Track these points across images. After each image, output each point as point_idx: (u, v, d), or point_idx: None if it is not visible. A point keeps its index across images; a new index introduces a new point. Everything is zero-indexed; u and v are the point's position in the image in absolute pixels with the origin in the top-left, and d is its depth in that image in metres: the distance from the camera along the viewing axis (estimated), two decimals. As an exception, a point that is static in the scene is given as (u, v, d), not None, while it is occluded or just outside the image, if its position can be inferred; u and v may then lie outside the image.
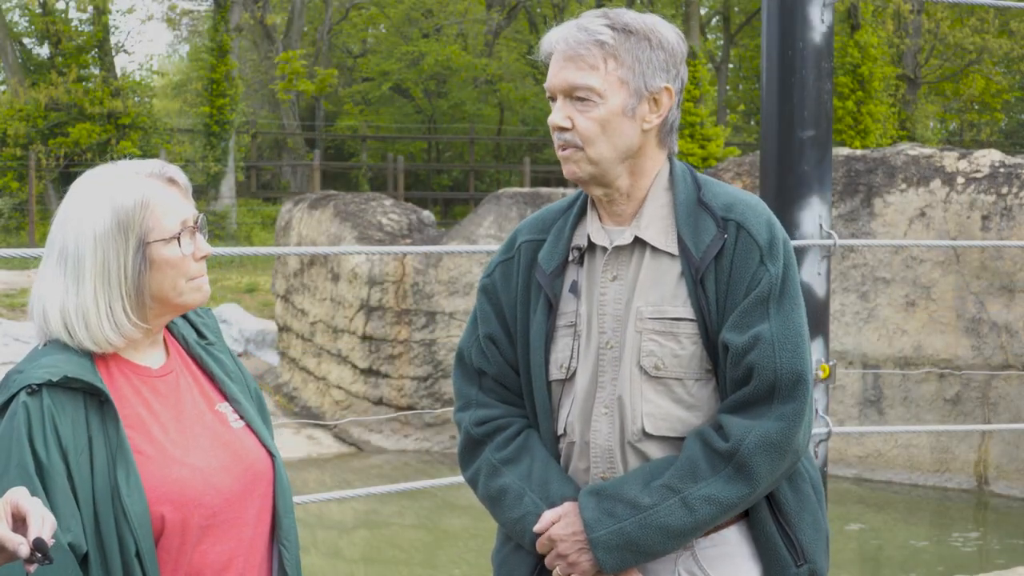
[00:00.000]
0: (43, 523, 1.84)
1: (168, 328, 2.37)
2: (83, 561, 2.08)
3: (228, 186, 25.74)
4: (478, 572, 9.16)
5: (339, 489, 10.62)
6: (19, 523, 1.85)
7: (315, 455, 12.39)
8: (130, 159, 2.33)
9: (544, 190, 12.83)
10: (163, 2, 43.89)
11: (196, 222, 2.27)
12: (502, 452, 2.44)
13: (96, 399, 2.15)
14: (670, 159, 2.45)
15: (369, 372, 12.67)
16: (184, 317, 2.41)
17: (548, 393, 2.43)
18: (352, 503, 10.77)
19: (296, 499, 2.42)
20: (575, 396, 2.39)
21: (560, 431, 2.43)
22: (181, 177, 2.29)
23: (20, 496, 1.86)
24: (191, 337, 2.39)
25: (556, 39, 2.37)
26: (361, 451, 12.60)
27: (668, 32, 2.39)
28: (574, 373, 2.39)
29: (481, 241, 12.12)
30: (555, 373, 2.42)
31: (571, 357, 2.39)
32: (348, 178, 30.75)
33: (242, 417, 2.35)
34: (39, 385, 2.10)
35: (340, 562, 9.75)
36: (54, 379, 2.10)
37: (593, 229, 2.42)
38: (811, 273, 3.99)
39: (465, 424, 2.49)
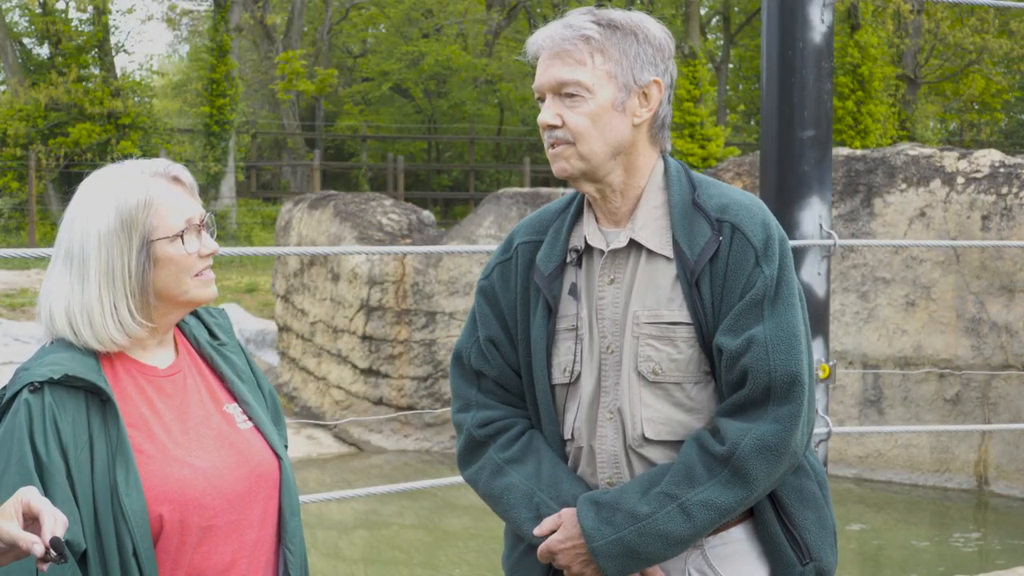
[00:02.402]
0: (56, 522, 1.84)
1: (180, 328, 2.37)
2: (82, 559, 2.08)
3: (228, 186, 25.74)
4: (478, 572, 9.16)
5: (339, 489, 10.61)
6: (30, 522, 1.86)
7: (315, 455, 12.39)
8: (135, 159, 2.34)
9: (544, 190, 12.82)
10: (163, 2, 43.93)
11: (202, 220, 2.28)
12: (506, 452, 2.43)
13: (98, 398, 2.16)
14: (664, 158, 2.44)
15: (369, 372, 12.67)
16: (197, 317, 2.41)
17: (552, 397, 2.42)
18: (352, 503, 10.77)
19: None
20: (580, 401, 2.38)
21: (567, 436, 2.42)
22: (186, 176, 2.30)
23: (32, 495, 1.87)
24: (203, 337, 2.39)
25: (542, 38, 2.37)
26: (361, 451, 12.60)
27: (654, 28, 2.39)
28: (578, 377, 2.38)
29: (481, 241, 12.12)
30: (558, 377, 2.40)
31: (574, 361, 2.38)
32: (348, 178, 30.76)
33: (251, 418, 2.35)
34: (41, 383, 2.11)
35: (340, 562, 9.75)
36: (55, 377, 2.11)
37: (590, 231, 2.41)
38: (811, 273, 3.99)
39: (467, 425, 2.47)
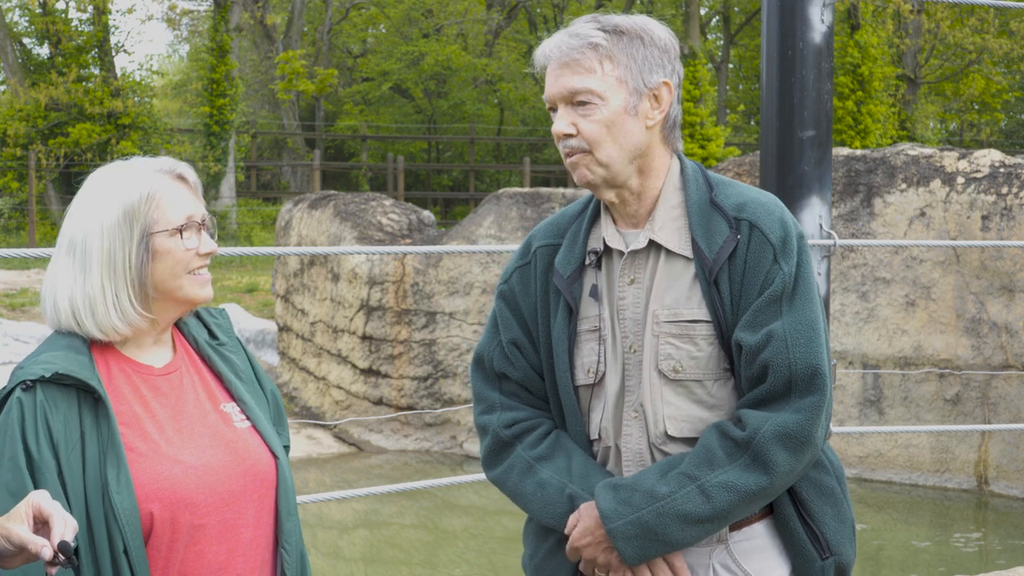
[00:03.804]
0: (65, 526, 1.85)
1: (179, 328, 2.40)
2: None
3: (228, 186, 25.75)
4: (478, 572, 9.16)
5: (339, 489, 10.61)
6: (40, 525, 1.86)
7: (315, 455, 12.39)
8: (141, 157, 2.37)
9: (544, 190, 12.81)
10: (163, 2, 43.91)
11: (203, 220, 2.31)
12: (535, 449, 2.44)
13: (91, 396, 2.18)
14: (680, 158, 2.46)
15: (369, 372, 12.67)
16: (198, 318, 2.44)
17: (576, 398, 2.43)
18: (352, 503, 10.77)
19: (297, 499, 2.42)
20: (606, 401, 2.40)
21: (594, 436, 2.43)
22: (191, 175, 2.34)
23: (42, 498, 1.89)
24: (202, 337, 2.41)
25: (550, 49, 2.38)
26: (361, 451, 12.60)
27: (658, 29, 2.41)
28: (603, 377, 2.40)
29: (481, 241, 12.12)
30: (581, 378, 2.42)
31: (598, 361, 2.39)
32: (348, 178, 30.76)
33: (248, 418, 2.36)
34: (33, 381, 2.14)
35: (340, 562, 9.75)
36: (47, 375, 2.14)
37: (608, 233, 2.43)
38: (811, 273, 3.99)
39: (493, 426, 2.48)
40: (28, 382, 2.14)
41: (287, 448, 2.46)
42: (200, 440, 2.27)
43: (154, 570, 2.18)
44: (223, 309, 2.52)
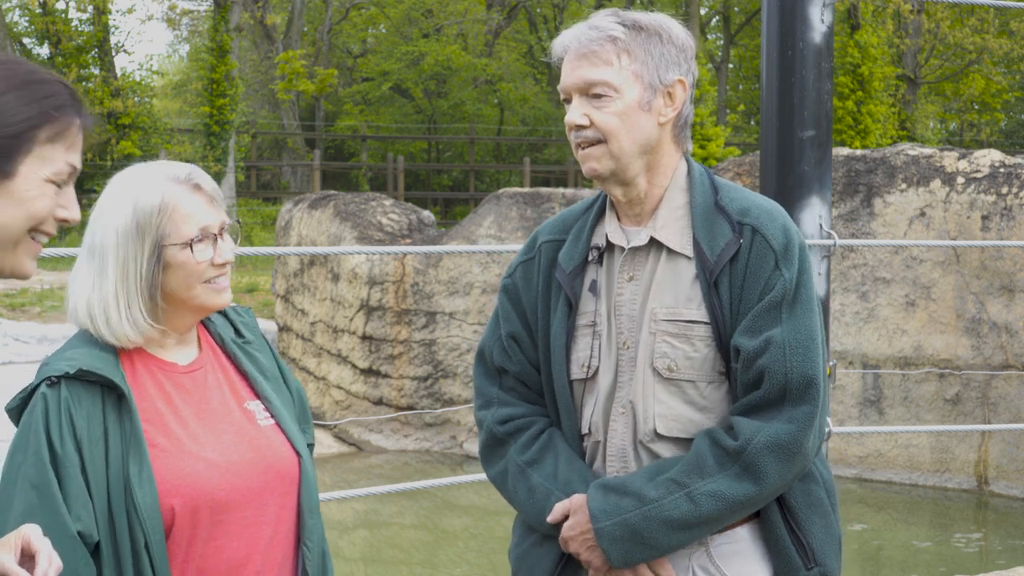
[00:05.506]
0: (50, 564, 1.87)
1: (206, 326, 2.42)
2: (95, 551, 2.13)
3: (228, 186, 25.75)
4: (478, 572, 9.17)
5: (339, 489, 10.60)
6: (27, 559, 1.88)
7: (315, 455, 12.36)
8: (165, 162, 2.37)
9: (544, 190, 12.81)
10: (163, 2, 43.91)
11: (221, 229, 2.33)
12: (526, 454, 2.46)
13: (114, 392, 2.20)
14: (687, 160, 2.48)
15: (369, 372, 12.67)
16: (225, 316, 2.46)
17: (570, 392, 2.44)
18: (352, 503, 10.77)
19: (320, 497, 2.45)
20: (598, 396, 2.41)
21: (584, 430, 2.45)
22: (208, 184, 2.34)
23: (34, 533, 1.90)
24: (228, 335, 2.43)
25: (568, 39, 2.40)
26: (361, 451, 12.60)
27: (677, 28, 2.43)
28: (596, 372, 2.41)
29: (481, 241, 12.12)
30: (576, 372, 2.44)
31: (592, 356, 2.41)
32: (348, 178, 30.76)
33: (272, 416, 2.38)
34: (58, 377, 2.17)
35: (340, 562, 9.75)
36: (71, 371, 2.17)
37: (611, 229, 2.44)
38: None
39: (488, 422, 2.51)
40: (53, 378, 2.17)
41: (311, 446, 2.48)
42: (223, 437, 2.30)
43: (173, 565, 2.20)
44: (249, 308, 2.54)
